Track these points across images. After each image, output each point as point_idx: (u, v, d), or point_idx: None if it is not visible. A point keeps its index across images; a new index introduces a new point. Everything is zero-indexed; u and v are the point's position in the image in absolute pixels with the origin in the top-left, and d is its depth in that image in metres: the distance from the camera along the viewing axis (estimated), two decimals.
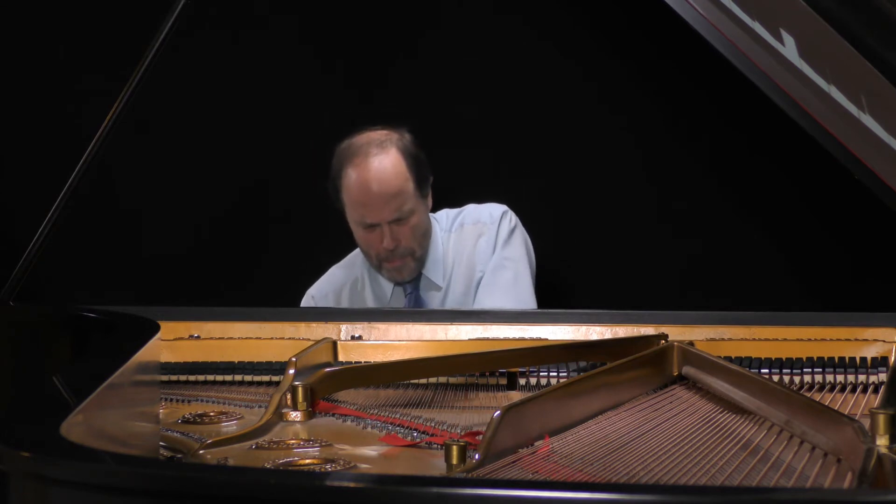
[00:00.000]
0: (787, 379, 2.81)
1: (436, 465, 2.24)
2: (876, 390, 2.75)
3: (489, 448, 2.16)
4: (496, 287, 3.75)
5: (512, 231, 3.80)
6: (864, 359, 2.84)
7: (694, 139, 4.43)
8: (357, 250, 3.87)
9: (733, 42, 2.82)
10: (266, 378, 2.93)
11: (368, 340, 3.07)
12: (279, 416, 2.59)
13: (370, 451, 2.39)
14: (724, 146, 4.42)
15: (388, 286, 3.81)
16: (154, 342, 2.48)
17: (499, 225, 3.80)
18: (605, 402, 2.54)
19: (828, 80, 2.72)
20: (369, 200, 3.67)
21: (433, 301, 3.77)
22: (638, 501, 1.69)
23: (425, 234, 3.74)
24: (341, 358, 2.99)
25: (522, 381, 2.89)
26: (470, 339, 3.09)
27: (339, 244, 4.31)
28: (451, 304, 3.77)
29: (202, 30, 4.40)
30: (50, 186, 3.23)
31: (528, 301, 3.76)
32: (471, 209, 3.87)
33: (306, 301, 3.92)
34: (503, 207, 3.84)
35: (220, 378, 2.96)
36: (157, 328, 2.54)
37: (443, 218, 3.85)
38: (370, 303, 3.83)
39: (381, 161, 3.68)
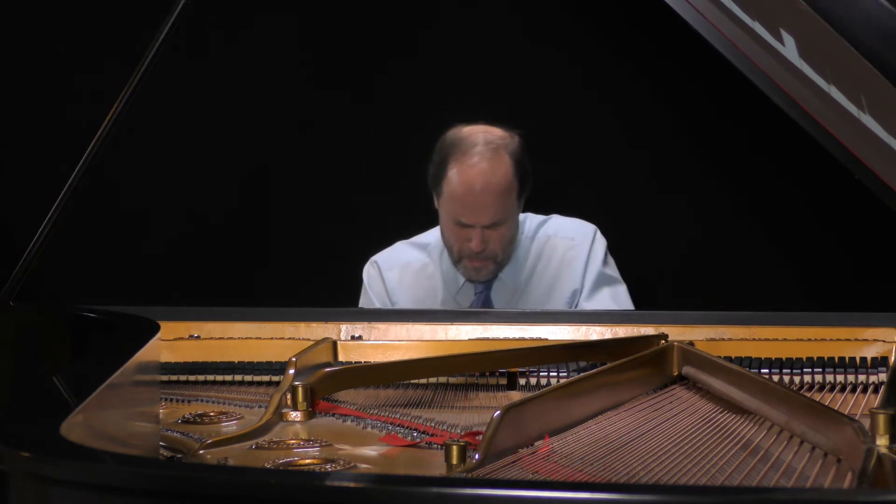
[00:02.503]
0: (787, 379, 2.81)
1: (436, 465, 2.24)
2: (876, 390, 2.75)
3: (489, 448, 2.16)
4: (601, 304, 3.70)
5: (606, 250, 3.75)
6: (864, 359, 2.84)
7: (694, 139, 4.44)
8: (432, 232, 3.78)
9: (733, 42, 2.82)
10: (266, 378, 2.93)
11: (368, 340, 3.07)
12: (279, 416, 2.59)
13: (370, 451, 2.39)
14: (724, 146, 4.42)
15: (460, 279, 3.73)
16: (154, 342, 2.48)
17: (591, 243, 3.74)
18: (605, 402, 2.54)
19: (828, 80, 2.72)
20: (471, 203, 3.58)
21: (501, 302, 3.71)
22: (638, 501, 1.69)
23: (512, 240, 3.67)
24: (341, 358, 2.99)
25: (522, 381, 2.89)
26: (470, 339, 3.09)
27: (339, 244, 4.32)
28: (520, 308, 3.70)
29: (203, 30, 4.41)
30: (50, 186, 3.23)
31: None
32: (559, 221, 3.79)
33: (368, 267, 3.81)
34: (592, 226, 3.77)
35: (220, 378, 2.96)
36: (157, 328, 2.54)
37: (525, 222, 3.77)
38: (438, 290, 3.75)
39: (493, 167, 3.57)
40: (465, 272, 3.68)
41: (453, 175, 3.59)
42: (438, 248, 3.75)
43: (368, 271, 3.82)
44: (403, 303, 3.76)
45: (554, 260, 3.74)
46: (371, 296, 3.78)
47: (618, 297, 3.74)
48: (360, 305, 3.81)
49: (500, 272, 3.70)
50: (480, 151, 3.59)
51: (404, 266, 3.79)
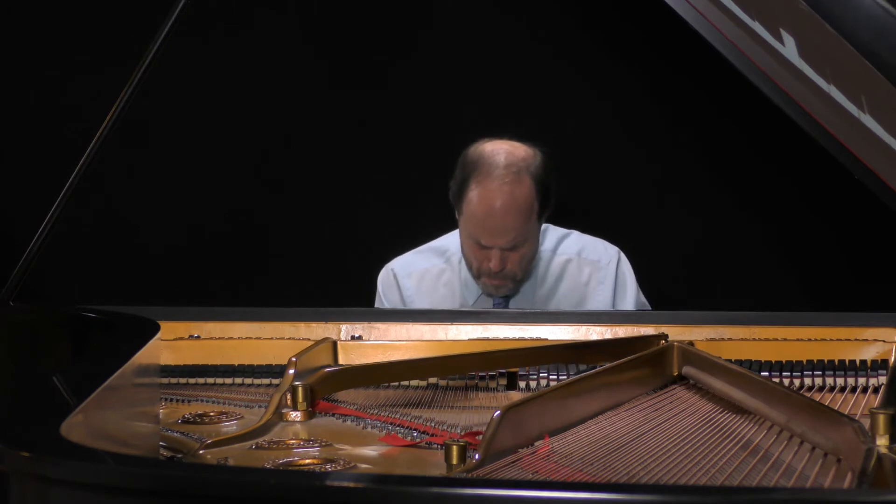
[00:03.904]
0: (787, 381, 2.81)
1: (436, 465, 2.24)
2: (876, 391, 2.75)
3: (489, 448, 2.16)
4: None
5: (631, 274, 3.71)
6: (864, 360, 2.84)
7: (694, 139, 4.44)
8: (451, 237, 3.72)
9: (733, 42, 2.82)
10: (266, 380, 2.93)
11: (368, 340, 3.07)
12: (279, 416, 2.59)
13: (370, 451, 2.39)
14: (724, 146, 4.43)
15: (477, 290, 3.68)
16: (154, 342, 2.48)
17: (617, 267, 3.70)
18: (605, 402, 2.54)
19: (828, 80, 2.72)
20: (490, 226, 3.51)
21: None
22: (638, 501, 1.69)
23: (532, 259, 3.61)
24: (341, 358, 2.99)
25: (522, 382, 2.89)
26: (470, 339, 3.09)
27: (340, 244, 4.32)
28: None
29: (203, 29, 4.41)
30: (50, 186, 3.23)
31: None
32: (583, 239, 3.75)
33: (384, 274, 3.76)
34: (616, 250, 3.73)
35: (220, 381, 2.96)
36: (157, 328, 2.54)
37: (546, 234, 3.72)
38: (455, 299, 3.70)
39: (513, 190, 3.49)
40: (485, 288, 3.63)
41: (474, 196, 3.51)
42: (458, 256, 3.69)
43: (384, 278, 3.77)
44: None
45: (580, 282, 3.70)
46: (385, 304, 3.75)
47: None
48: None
49: (520, 288, 3.65)
50: (501, 176, 3.50)
51: (422, 273, 3.75)
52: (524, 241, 3.55)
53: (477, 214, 3.52)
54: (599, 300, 3.69)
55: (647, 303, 3.76)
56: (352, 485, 1.75)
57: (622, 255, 3.74)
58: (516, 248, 3.54)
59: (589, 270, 3.70)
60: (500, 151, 3.55)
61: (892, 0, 2.64)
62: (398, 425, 2.53)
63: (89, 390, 2.10)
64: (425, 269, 3.76)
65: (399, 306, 3.72)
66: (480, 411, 2.68)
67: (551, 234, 3.74)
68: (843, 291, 4.33)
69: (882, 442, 2.16)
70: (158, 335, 2.52)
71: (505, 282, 3.60)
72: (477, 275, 3.61)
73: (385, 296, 3.75)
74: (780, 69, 2.76)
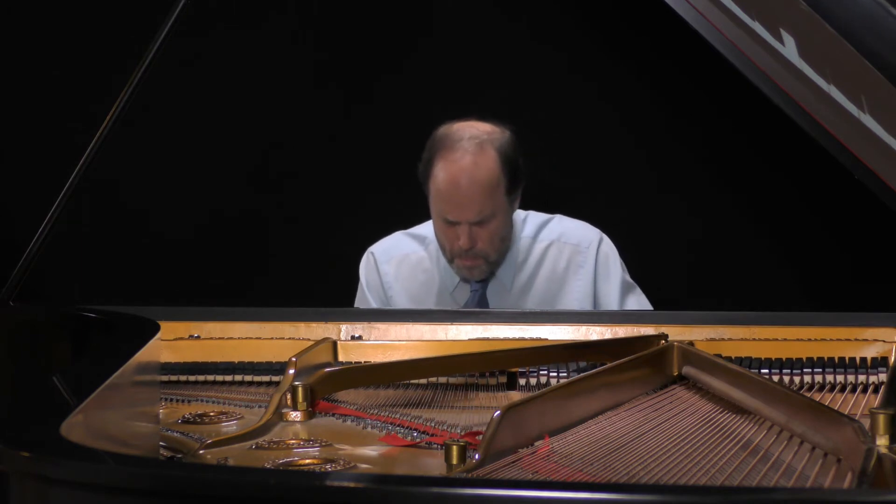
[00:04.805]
0: (786, 379, 2.81)
1: (436, 465, 2.24)
2: (876, 390, 2.75)
3: (489, 448, 2.16)
4: (636, 307, 3.64)
5: (615, 256, 3.68)
6: (863, 359, 2.84)
7: (694, 139, 4.44)
8: (430, 225, 3.71)
9: (733, 42, 2.82)
10: (266, 378, 2.93)
11: (368, 340, 3.07)
12: (279, 416, 2.59)
13: (370, 451, 2.39)
14: (724, 146, 4.43)
15: (455, 277, 3.67)
16: (154, 342, 2.48)
17: (598, 249, 3.67)
18: (605, 402, 2.54)
19: (828, 80, 2.72)
20: (455, 199, 3.50)
21: (498, 302, 3.65)
22: (638, 501, 1.69)
23: (504, 240, 3.59)
24: (341, 358, 2.99)
25: (522, 381, 2.89)
26: (470, 339, 3.08)
27: (341, 244, 4.32)
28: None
29: (203, 29, 4.41)
30: (50, 186, 3.23)
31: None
32: (564, 224, 3.72)
33: (365, 258, 3.77)
34: (598, 232, 3.71)
35: (220, 378, 2.96)
36: (157, 328, 2.54)
37: (527, 220, 3.71)
38: (434, 285, 3.70)
39: (476, 162, 3.50)
40: (459, 271, 3.63)
41: (438, 171, 3.52)
42: (435, 243, 3.69)
43: (365, 263, 3.77)
44: (399, 296, 3.72)
45: (559, 266, 3.68)
46: (365, 287, 3.75)
47: (641, 303, 3.71)
48: (356, 296, 3.79)
49: (494, 271, 3.64)
50: (464, 146, 3.52)
51: (401, 259, 3.74)
52: (491, 215, 3.53)
53: (441, 189, 3.52)
54: (581, 284, 3.66)
55: (635, 284, 3.71)
56: (352, 485, 1.75)
57: (604, 237, 3.71)
58: (483, 223, 3.52)
59: (569, 254, 3.68)
60: (465, 127, 3.57)
61: (892, 0, 2.64)
62: (398, 425, 2.53)
63: (89, 390, 2.10)
64: (405, 255, 3.75)
65: (378, 291, 3.72)
66: (480, 411, 2.68)
67: (532, 220, 3.72)
68: (842, 291, 4.33)
69: (882, 442, 2.16)
70: (158, 335, 2.52)
71: (477, 262, 3.58)
72: (450, 258, 3.60)
73: (366, 280, 3.75)
74: (780, 69, 2.77)
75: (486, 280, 3.65)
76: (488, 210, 3.52)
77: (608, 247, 3.70)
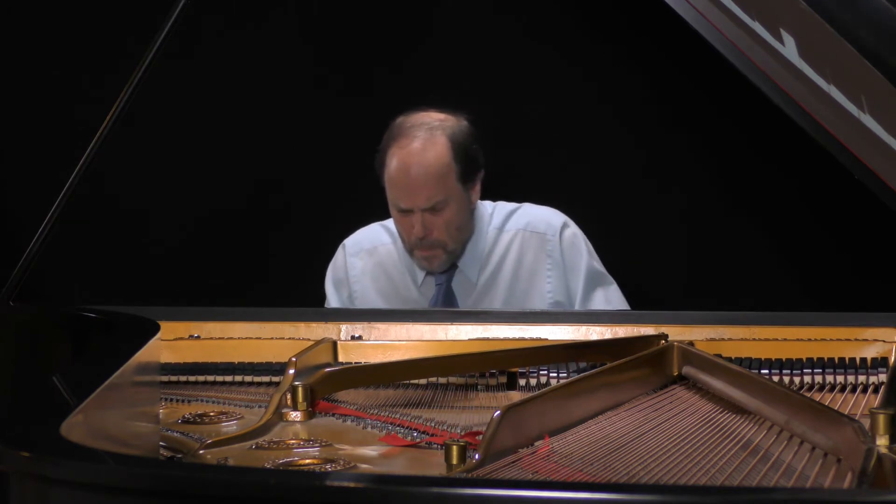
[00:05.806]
0: (786, 379, 2.81)
1: (436, 465, 2.24)
2: (876, 390, 2.75)
3: (489, 448, 2.16)
4: (603, 303, 3.62)
5: (586, 242, 3.66)
6: (864, 359, 2.84)
7: (693, 139, 4.43)
8: None
9: (733, 42, 2.82)
10: (266, 378, 2.93)
11: (368, 340, 3.07)
12: (279, 416, 2.59)
13: (370, 451, 2.39)
14: (724, 146, 4.42)
15: (420, 271, 3.67)
16: (154, 342, 2.48)
17: (561, 238, 3.65)
18: (605, 402, 2.54)
19: (828, 80, 2.72)
20: (405, 184, 3.52)
21: (464, 296, 3.64)
22: (638, 501, 1.69)
23: (461, 229, 3.59)
24: (341, 358, 2.99)
25: (522, 381, 2.89)
26: (470, 339, 3.09)
27: (340, 244, 4.30)
28: (485, 305, 3.64)
29: (203, 29, 4.41)
30: (50, 186, 3.23)
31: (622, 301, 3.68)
32: (529, 212, 3.70)
33: (338, 251, 3.79)
34: (562, 218, 3.68)
35: (220, 378, 2.96)
36: (157, 328, 2.54)
37: (494, 211, 3.69)
38: (401, 280, 3.69)
39: (425, 147, 3.52)
40: (419, 263, 3.63)
41: (390, 159, 3.55)
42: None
43: (337, 254, 3.79)
44: (363, 290, 3.71)
45: (526, 258, 3.65)
46: (330, 278, 3.75)
47: (610, 296, 3.68)
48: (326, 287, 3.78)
49: (455, 262, 3.63)
50: (414, 133, 3.54)
51: (370, 251, 3.74)
52: (444, 202, 3.53)
53: (392, 174, 3.55)
54: (549, 274, 3.64)
55: (608, 276, 3.68)
56: (352, 485, 1.75)
57: (569, 221, 3.69)
58: (437, 210, 3.53)
59: (536, 244, 3.66)
60: (419, 116, 3.60)
61: (892, 0, 2.64)
62: (398, 425, 2.53)
63: (89, 390, 2.10)
64: (374, 247, 3.75)
65: (343, 284, 3.71)
66: (480, 411, 2.68)
67: (500, 210, 3.71)
68: (843, 291, 4.32)
69: (882, 442, 2.16)
70: (158, 335, 2.52)
71: (434, 251, 3.58)
72: (410, 249, 3.60)
73: (332, 270, 3.76)
74: (780, 69, 2.77)
75: (450, 272, 3.64)
76: (440, 196, 3.53)
77: (573, 233, 3.67)
